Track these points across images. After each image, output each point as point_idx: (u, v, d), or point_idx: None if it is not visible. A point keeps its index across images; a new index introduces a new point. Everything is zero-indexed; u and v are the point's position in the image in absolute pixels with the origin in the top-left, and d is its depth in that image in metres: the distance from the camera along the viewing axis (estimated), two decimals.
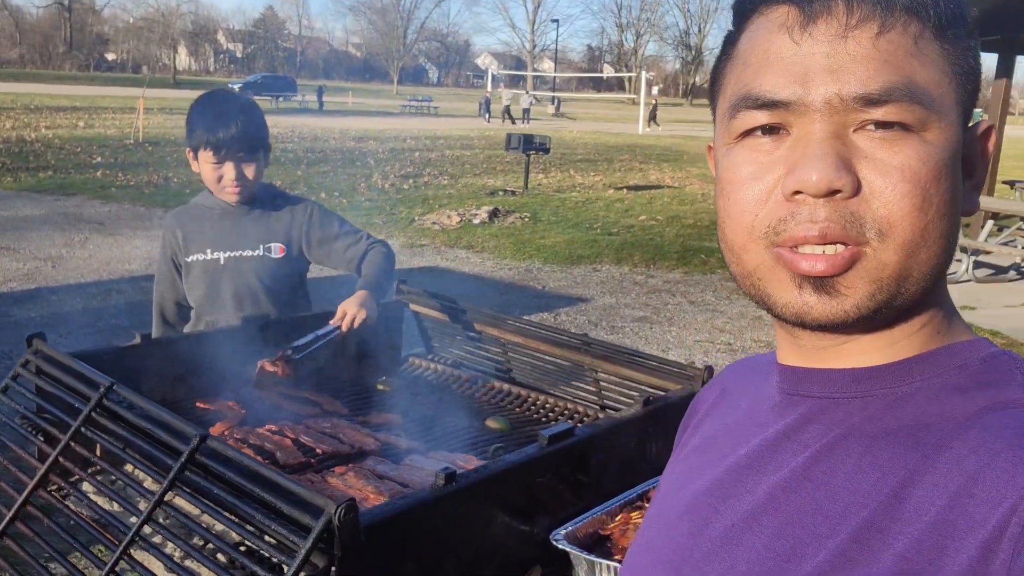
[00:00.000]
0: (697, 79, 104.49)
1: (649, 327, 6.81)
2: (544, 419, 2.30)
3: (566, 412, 2.32)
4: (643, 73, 44.77)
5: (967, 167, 0.67)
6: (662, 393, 1.99)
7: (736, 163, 0.68)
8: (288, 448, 1.82)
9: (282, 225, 2.55)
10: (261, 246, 2.53)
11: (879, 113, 0.61)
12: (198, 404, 2.06)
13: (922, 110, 0.61)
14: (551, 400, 2.37)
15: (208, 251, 2.51)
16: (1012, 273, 9.45)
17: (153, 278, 2.68)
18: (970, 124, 0.67)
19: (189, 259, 2.52)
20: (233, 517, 1.36)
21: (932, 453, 0.61)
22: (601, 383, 2.32)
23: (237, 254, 2.51)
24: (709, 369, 2.05)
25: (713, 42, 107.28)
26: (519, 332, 2.46)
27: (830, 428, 0.68)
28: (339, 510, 1.25)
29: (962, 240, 8.97)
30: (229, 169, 2.41)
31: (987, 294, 8.45)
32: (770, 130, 0.66)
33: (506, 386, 2.48)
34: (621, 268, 9.02)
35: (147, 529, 1.43)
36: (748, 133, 0.67)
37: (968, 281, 8.88)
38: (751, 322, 7.07)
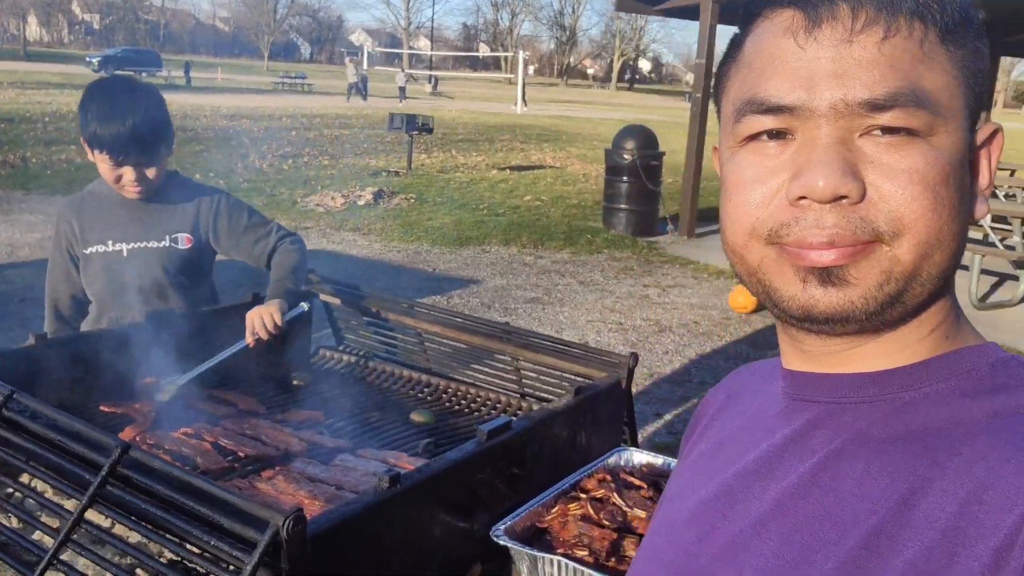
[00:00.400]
0: (571, 59, 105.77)
1: (542, 308, 6.86)
2: (467, 410, 2.26)
3: (488, 402, 2.30)
4: (520, 53, 44.88)
5: (974, 172, 0.67)
6: (591, 382, 1.99)
7: (740, 167, 0.67)
8: (208, 453, 1.72)
9: (188, 215, 2.41)
10: (167, 237, 2.39)
11: (885, 118, 0.61)
12: (102, 408, 1.93)
13: (928, 115, 0.61)
14: (472, 390, 2.34)
15: (109, 243, 2.34)
16: None
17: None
18: (977, 128, 0.67)
19: (88, 251, 2.34)
20: (166, 534, 1.28)
21: (942, 460, 0.60)
22: (522, 372, 2.30)
23: (142, 245, 2.36)
24: (634, 356, 2.06)
25: (586, 23, 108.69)
26: (436, 321, 2.41)
27: (837, 434, 0.67)
28: (287, 522, 1.18)
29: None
30: (128, 172, 2.25)
31: None
32: (775, 134, 0.65)
33: (424, 377, 2.43)
34: (510, 249, 9.04)
35: (68, 555, 1.33)
36: (753, 137, 0.66)
37: None
38: (639, 301, 7.23)
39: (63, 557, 1.32)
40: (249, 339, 2.17)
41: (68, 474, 1.39)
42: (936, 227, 0.61)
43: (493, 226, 10.08)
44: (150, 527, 1.28)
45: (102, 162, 2.24)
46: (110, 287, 2.34)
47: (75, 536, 1.34)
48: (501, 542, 1.56)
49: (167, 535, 1.28)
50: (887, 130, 0.61)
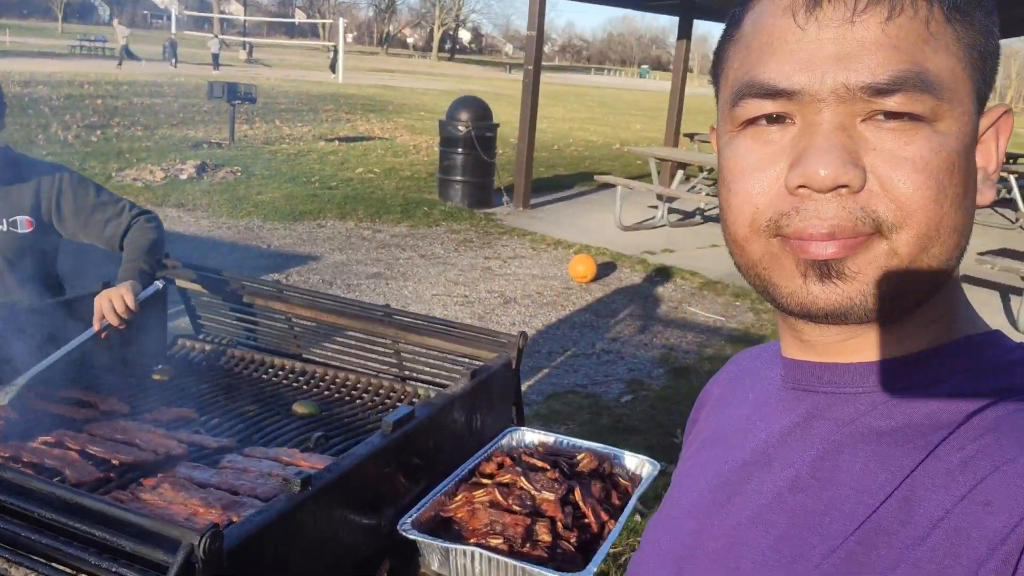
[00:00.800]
0: (391, 28, 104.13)
1: (385, 283, 6.73)
2: (348, 398, 2.17)
3: (370, 388, 2.21)
4: (340, 21, 43.65)
5: (982, 155, 0.64)
6: (484, 364, 1.94)
7: (739, 153, 0.64)
8: (76, 463, 1.55)
9: (27, 196, 2.16)
10: (4, 220, 2.14)
11: (889, 103, 0.58)
12: None
13: (934, 99, 0.58)
14: (351, 377, 2.24)
15: None
16: (697, 217, 10.49)
17: None
18: (986, 110, 0.64)
19: None
20: (56, 565, 1.13)
21: (943, 455, 0.58)
22: (403, 354, 2.23)
23: None
24: (523, 335, 2.04)
25: None
26: (310, 305, 2.29)
27: (837, 425, 0.65)
28: (203, 541, 1.08)
29: (660, 188, 9.81)
30: None
31: (681, 237, 9.33)
32: (775, 119, 0.62)
33: (296, 364, 2.31)
34: (346, 223, 8.81)
35: None
36: (751, 122, 0.64)
37: (664, 226, 9.73)
38: (482, 273, 7.24)
39: None
40: (96, 326, 1.98)
41: None
42: (936, 219, 0.59)
43: (327, 200, 9.78)
44: (37, 559, 1.13)
45: None
46: None
47: None
48: (410, 536, 1.50)
49: (57, 566, 1.13)
50: (891, 115, 0.58)
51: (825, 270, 0.60)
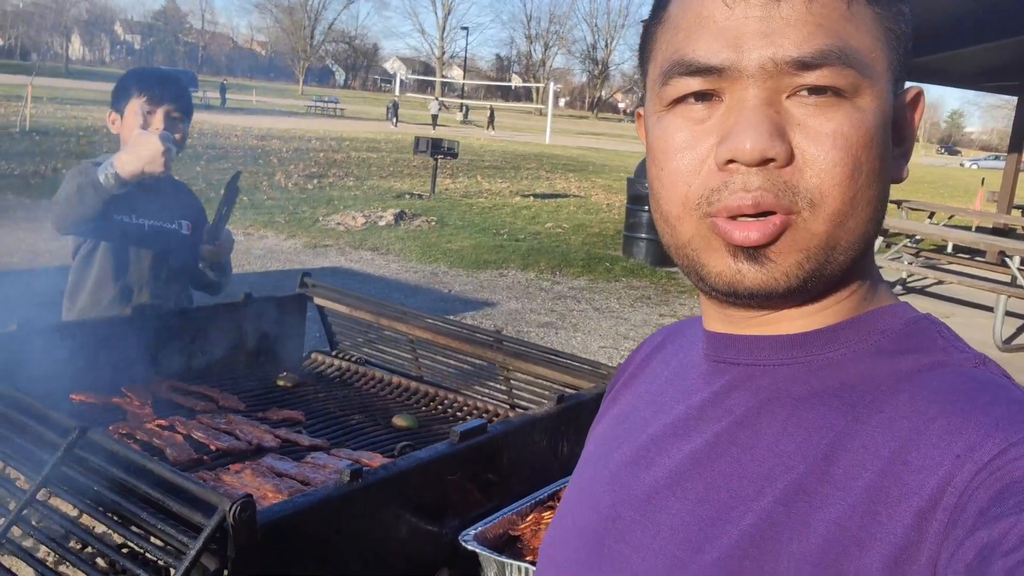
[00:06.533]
0: (603, 93, 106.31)
1: (555, 332, 6.81)
2: (453, 417, 2.22)
3: (476, 411, 2.26)
4: (551, 84, 45.13)
5: (896, 134, 0.67)
6: (575, 391, 1.94)
7: (668, 131, 0.66)
8: (179, 444, 1.69)
9: (188, 204, 2.52)
10: (176, 220, 2.47)
11: (812, 77, 0.60)
12: (73, 397, 1.90)
13: (855, 75, 0.61)
14: (460, 398, 2.30)
15: (133, 215, 2.39)
16: (898, 288, 9.86)
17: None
18: (900, 91, 0.67)
19: (115, 217, 2.36)
20: (115, 517, 1.25)
21: (862, 416, 0.60)
22: (512, 381, 2.26)
23: (159, 224, 2.43)
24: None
25: (619, 57, 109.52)
26: (428, 329, 2.38)
27: (755, 393, 0.67)
28: (234, 508, 1.15)
29: None
30: (158, 121, 2.30)
31: None
32: (703, 96, 0.64)
33: (414, 384, 2.39)
34: (527, 274, 9.02)
35: (17, 532, 1.30)
36: (680, 100, 0.65)
37: None
38: (654, 329, 7.16)
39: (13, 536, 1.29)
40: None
41: (30, 456, 1.37)
42: (851, 194, 0.61)
43: (512, 251, 10.07)
44: (101, 509, 1.25)
45: (134, 114, 2.28)
46: (127, 257, 2.38)
47: (33, 520, 1.32)
48: (469, 546, 1.52)
49: (118, 518, 1.25)
50: (814, 90, 0.61)
51: (751, 254, 0.63)
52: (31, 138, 17.07)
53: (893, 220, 11.29)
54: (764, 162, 0.60)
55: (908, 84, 0.68)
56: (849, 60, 0.60)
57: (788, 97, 0.61)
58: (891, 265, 9.30)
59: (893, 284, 10.00)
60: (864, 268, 0.68)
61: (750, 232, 0.61)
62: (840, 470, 0.58)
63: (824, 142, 0.60)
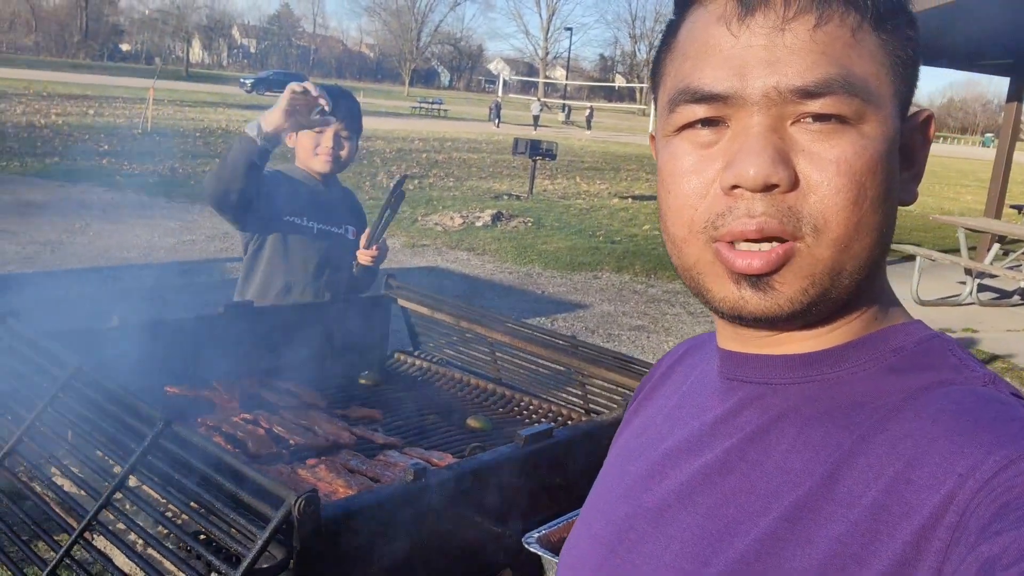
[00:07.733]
0: None
1: (646, 336, 6.77)
2: (527, 420, 2.26)
3: (550, 414, 2.28)
4: None
5: (905, 157, 0.67)
6: None
7: (676, 156, 0.68)
8: (260, 438, 1.78)
9: (352, 212, 2.68)
10: (343, 225, 2.63)
11: (816, 105, 0.61)
12: (168, 389, 2.02)
13: (859, 102, 0.61)
14: (536, 402, 2.33)
15: (304, 218, 2.55)
16: (1016, 297, 9.38)
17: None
18: (909, 114, 0.67)
19: (285, 218, 2.53)
20: (194, 505, 1.33)
21: (868, 434, 0.61)
22: (587, 386, 2.28)
23: (327, 228, 2.59)
24: None
25: None
26: (507, 332, 2.42)
27: (765, 411, 0.68)
28: (299, 501, 1.21)
29: (967, 262, 8.93)
30: (328, 137, 2.48)
31: (990, 317, 8.40)
32: (709, 122, 0.66)
33: (491, 386, 2.44)
34: (621, 276, 8.98)
35: (109, 516, 1.39)
36: (688, 126, 0.67)
37: (972, 304, 8.82)
38: None
39: (111, 524, 1.39)
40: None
41: (120, 444, 1.46)
42: (854, 221, 0.62)
43: (607, 253, 10.04)
44: (181, 497, 1.33)
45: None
46: (293, 257, 2.54)
47: (122, 505, 1.42)
48: (532, 549, 1.55)
49: (196, 506, 1.33)
50: (818, 117, 0.61)
51: (755, 281, 0.64)
52: (152, 139, 17.97)
53: (1012, 226, 10.74)
54: (768, 188, 0.61)
55: (916, 108, 0.68)
56: (853, 88, 0.61)
57: (792, 124, 0.62)
58: (1008, 274, 8.85)
59: (1011, 293, 9.52)
60: (874, 289, 0.68)
61: (753, 261, 0.63)
62: (845, 488, 0.59)
63: (828, 168, 0.61)
